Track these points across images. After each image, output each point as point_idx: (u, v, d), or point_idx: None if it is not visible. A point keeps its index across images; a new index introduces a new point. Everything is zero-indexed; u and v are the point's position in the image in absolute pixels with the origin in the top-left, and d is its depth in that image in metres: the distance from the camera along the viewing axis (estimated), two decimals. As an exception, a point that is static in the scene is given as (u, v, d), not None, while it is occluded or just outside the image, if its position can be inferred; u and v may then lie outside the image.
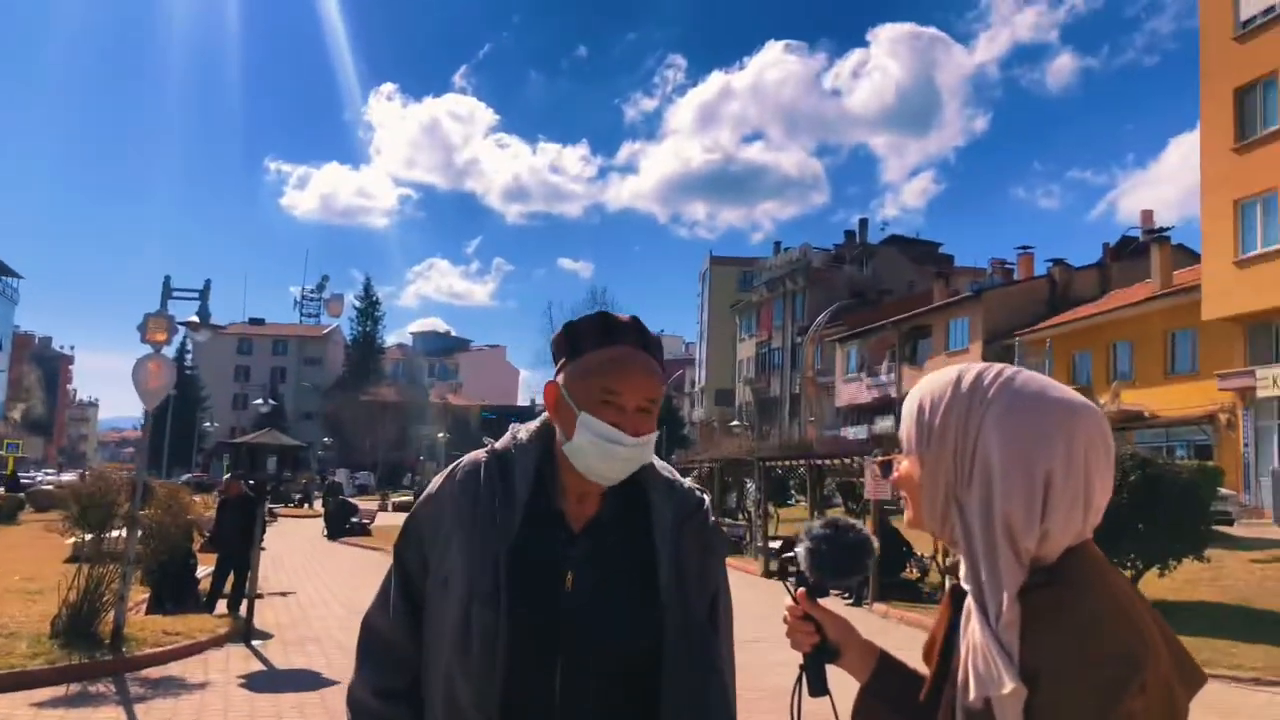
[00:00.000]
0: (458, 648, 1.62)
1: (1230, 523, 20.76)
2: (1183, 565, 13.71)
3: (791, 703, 1.59)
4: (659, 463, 1.81)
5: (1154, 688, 1.25)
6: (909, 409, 1.48)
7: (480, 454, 1.78)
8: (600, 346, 1.70)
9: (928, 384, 1.48)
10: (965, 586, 1.43)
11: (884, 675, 1.60)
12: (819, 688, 1.56)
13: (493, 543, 1.66)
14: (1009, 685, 1.25)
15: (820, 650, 1.57)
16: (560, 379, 1.73)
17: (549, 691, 1.62)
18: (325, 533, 30.25)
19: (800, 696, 1.58)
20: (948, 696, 1.41)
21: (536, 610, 1.65)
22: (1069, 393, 1.41)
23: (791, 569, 1.63)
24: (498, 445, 1.78)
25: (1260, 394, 26.19)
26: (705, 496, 1.83)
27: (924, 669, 1.56)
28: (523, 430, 1.80)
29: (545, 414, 1.80)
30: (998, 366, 1.44)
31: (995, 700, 1.28)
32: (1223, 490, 19.19)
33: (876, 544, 1.63)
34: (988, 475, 1.36)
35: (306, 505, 47.84)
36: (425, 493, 1.80)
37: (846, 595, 16.58)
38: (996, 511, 1.33)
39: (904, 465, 1.49)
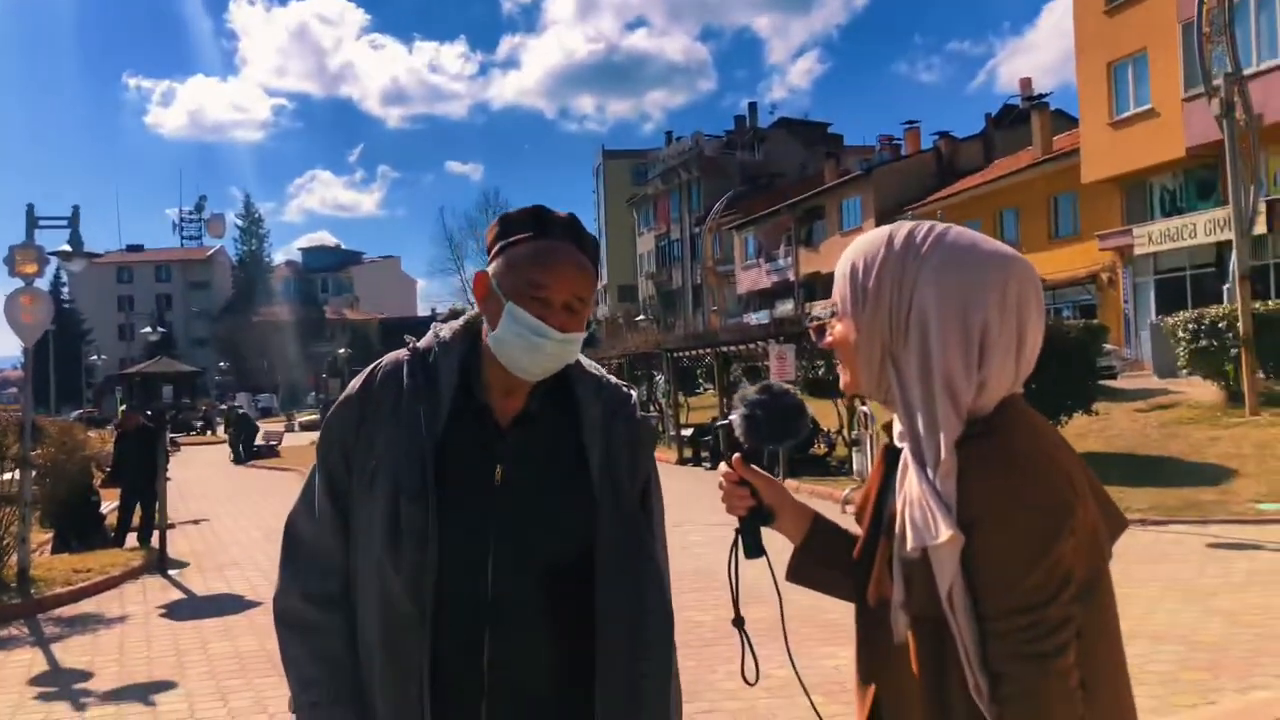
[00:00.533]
0: (388, 544, 1.60)
1: (1114, 376, 21.83)
2: (1074, 419, 14.45)
3: (729, 567, 1.61)
4: (586, 361, 1.79)
5: (1082, 532, 1.30)
6: (841, 271, 1.46)
7: (402, 353, 1.74)
8: (531, 239, 1.66)
9: (859, 245, 1.47)
10: (899, 444, 1.44)
11: (818, 536, 1.63)
12: (755, 550, 1.58)
13: (419, 438, 1.63)
14: (945, 533, 1.28)
15: (755, 513, 1.59)
16: (491, 269, 1.69)
17: (481, 584, 1.62)
18: (232, 458, 29.72)
19: (737, 561, 1.60)
20: (883, 550, 1.43)
21: (466, 504, 1.63)
22: (1000, 245, 1.41)
23: (728, 436, 1.62)
24: (420, 344, 1.74)
25: (1138, 251, 27.31)
26: (633, 392, 1.81)
27: (857, 530, 1.58)
28: (445, 329, 1.76)
29: (470, 311, 1.77)
30: (928, 224, 1.44)
31: (931, 549, 1.30)
32: (1107, 346, 20.14)
33: (811, 410, 1.64)
34: (924, 330, 1.36)
35: (209, 432, 46.79)
36: (345, 393, 1.75)
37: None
38: (935, 365, 1.35)
39: (838, 329, 1.49)
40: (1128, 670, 1.40)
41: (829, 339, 1.51)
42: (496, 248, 1.70)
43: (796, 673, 1.62)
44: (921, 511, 1.31)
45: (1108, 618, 1.37)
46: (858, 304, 1.44)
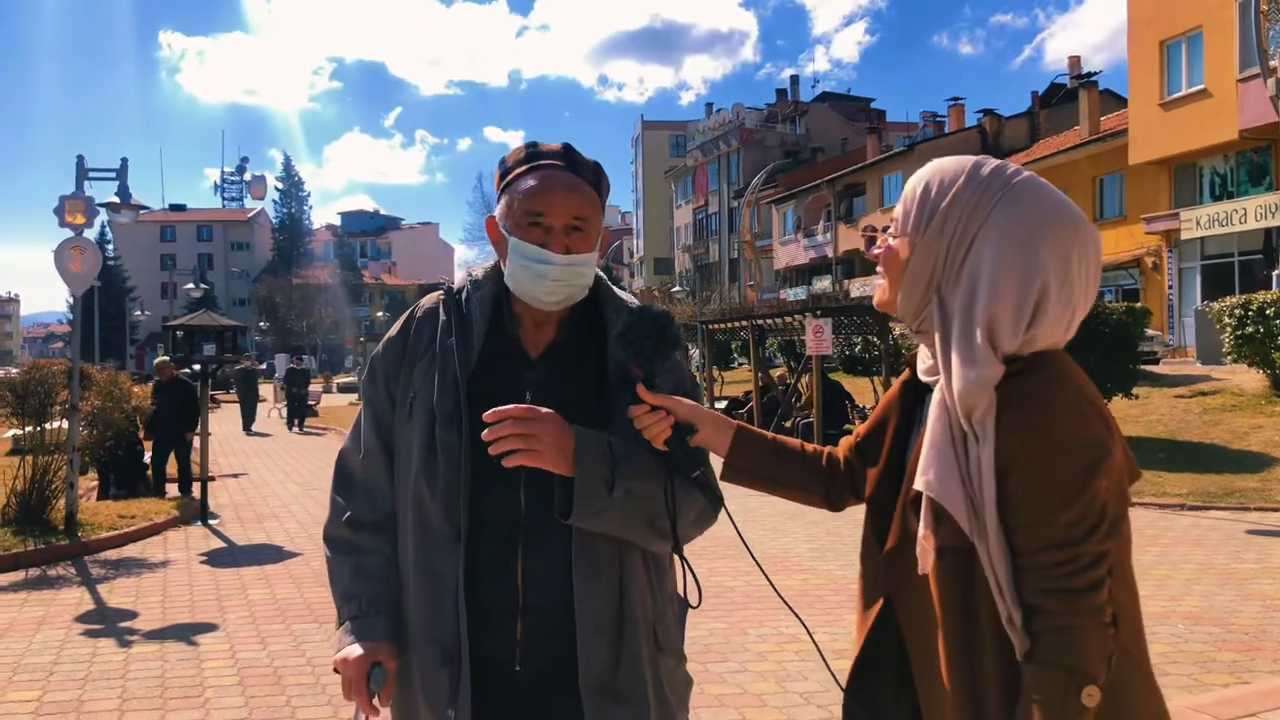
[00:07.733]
0: (425, 468, 1.68)
1: (1156, 361, 21.53)
2: (1113, 403, 14.28)
3: (665, 494, 1.63)
4: (624, 294, 1.84)
5: (1114, 471, 1.31)
6: (913, 189, 1.44)
7: (438, 294, 1.83)
8: (526, 172, 1.72)
9: (939, 166, 1.44)
10: (926, 379, 1.44)
11: (743, 444, 1.67)
12: (691, 463, 1.62)
13: (453, 369, 1.70)
14: (952, 490, 1.31)
15: (678, 430, 1.61)
16: (497, 211, 1.77)
17: (515, 505, 1.68)
18: (284, 421, 26.94)
19: (673, 485, 1.63)
20: (907, 487, 1.43)
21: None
22: (1073, 206, 1.40)
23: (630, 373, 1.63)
24: (454, 285, 1.83)
25: (1184, 235, 26.81)
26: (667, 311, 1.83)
27: (776, 436, 1.69)
28: (478, 269, 1.85)
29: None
30: (1016, 166, 1.41)
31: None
32: (1149, 331, 19.84)
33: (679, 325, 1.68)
34: (975, 275, 1.35)
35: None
36: (388, 334, 1.85)
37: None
38: (980, 309, 1.34)
39: (891, 244, 1.47)
40: (1140, 610, 1.41)
41: (877, 250, 1.50)
42: (499, 191, 1.76)
43: (804, 627, 1.64)
44: (940, 459, 1.33)
45: (1126, 556, 1.38)
46: (920, 224, 1.42)
